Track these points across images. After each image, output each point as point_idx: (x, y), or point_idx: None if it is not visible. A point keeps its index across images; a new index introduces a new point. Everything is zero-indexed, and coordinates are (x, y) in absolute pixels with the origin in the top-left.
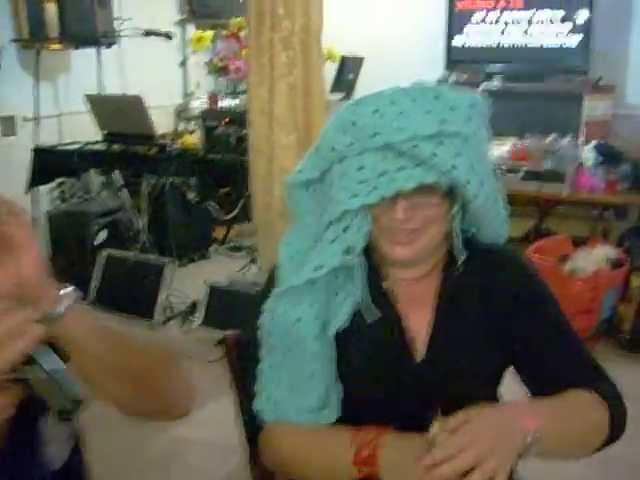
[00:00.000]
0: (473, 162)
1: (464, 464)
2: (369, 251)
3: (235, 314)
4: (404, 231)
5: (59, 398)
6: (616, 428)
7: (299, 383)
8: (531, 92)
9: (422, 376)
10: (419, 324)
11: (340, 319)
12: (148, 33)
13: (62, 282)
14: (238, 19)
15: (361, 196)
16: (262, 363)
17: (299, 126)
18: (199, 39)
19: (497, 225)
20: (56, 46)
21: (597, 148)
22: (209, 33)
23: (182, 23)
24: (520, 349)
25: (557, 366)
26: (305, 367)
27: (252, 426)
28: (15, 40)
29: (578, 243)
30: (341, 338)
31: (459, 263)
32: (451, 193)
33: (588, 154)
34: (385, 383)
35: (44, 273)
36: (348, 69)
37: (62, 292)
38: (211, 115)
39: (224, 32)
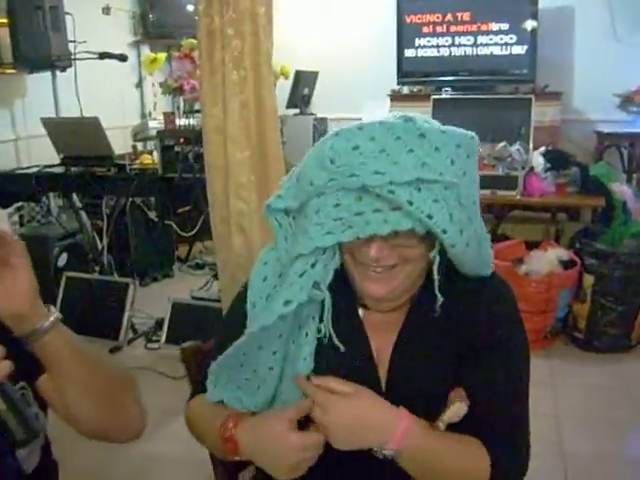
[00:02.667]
0: (452, 210)
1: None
2: (347, 278)
3: (198, 330)
4: (379, 268)
5: (18, 428)
6: None
7: (252, 384)
8: (481, 101)
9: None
10: (385, 353)
11: (302, 361)
12: (102, 56)
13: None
14: (190, 40)
15: (335, 234)
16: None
17: (252, 142)
18: (152, 61)
19: (477, 266)
20: (10, 70)
21: (545, 153)
22: (162, 55)
23: (136, 44)
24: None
25: (480, 415)
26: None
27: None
28: None
29: (532, 246)
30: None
31: (437, 304)
32: (430, 235)
33: (537, 159)
34: None
35: (36, 292)
36: (303, 84)
37: (48, 310)
38: (168, 135)
39: (176, 53)
